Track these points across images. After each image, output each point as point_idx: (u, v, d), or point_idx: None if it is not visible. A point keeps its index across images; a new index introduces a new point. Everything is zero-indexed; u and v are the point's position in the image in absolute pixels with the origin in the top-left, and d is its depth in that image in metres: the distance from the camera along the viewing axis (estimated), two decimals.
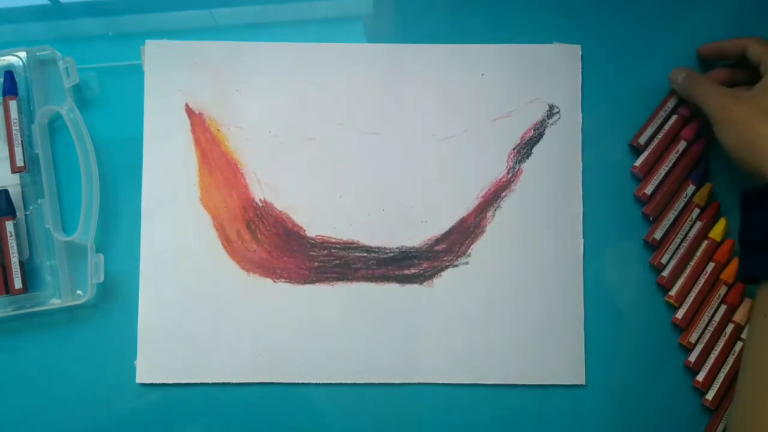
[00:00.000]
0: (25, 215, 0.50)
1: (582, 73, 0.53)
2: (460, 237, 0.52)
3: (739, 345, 0.51)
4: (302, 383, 0.50)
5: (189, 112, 0.52)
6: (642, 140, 0.52)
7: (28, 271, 0.50)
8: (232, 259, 0.51)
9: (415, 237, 0.52)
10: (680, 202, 0.52)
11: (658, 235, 0.51)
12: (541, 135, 0.53)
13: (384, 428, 0.50)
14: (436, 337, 0.51)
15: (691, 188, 0.52)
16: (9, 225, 0.49)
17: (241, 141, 0.52)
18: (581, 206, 0.52)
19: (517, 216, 0.52)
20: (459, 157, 0.52)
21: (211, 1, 0.53)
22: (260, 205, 0.51)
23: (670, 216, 0.52)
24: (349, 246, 0.51)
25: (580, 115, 0.53)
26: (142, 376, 0.50)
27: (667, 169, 0.52)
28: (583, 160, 0.52)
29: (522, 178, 0.52)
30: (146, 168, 0.51)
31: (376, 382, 0.50)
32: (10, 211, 0.49)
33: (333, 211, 0.52)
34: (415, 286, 0.51)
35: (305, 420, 0.50)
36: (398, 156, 0.52)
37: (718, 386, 0.50)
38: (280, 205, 0.51)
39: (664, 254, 0.51)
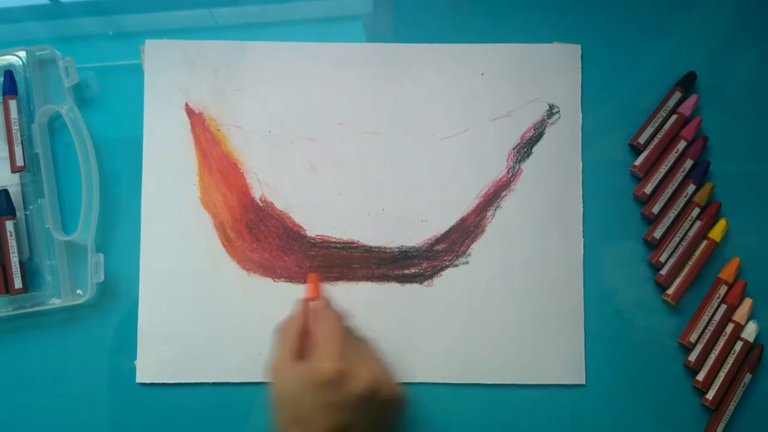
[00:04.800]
0: (25, 215, 0.50)
1: (582, 72, 0.53)
2: (460, 237, 0.52)
3: (739, 344, 0.51)
4: None
5: (189, 111, 0.52)
6: (642, 140, 0.52)
7: (28, 270, 0.50)
8: (232, 259, 0.51)
9: (415, 237, 0.52)
10: (680, 202, 0.52)
11: (657, 234, 0.52)
12: (541, 134, 0.53)
13: None
14: (435, 337, 0.51)
15: (691, 188, 0.52)
16: (9, 225, 0.49)
17: (241, 141, 0.52)
18: (581, 206, 0.52)
19: (517, 215, 0.52)
20: (459, 157, 0.52)
21: (211, 0, 0.54)
22: (260, 204, 0.51)
23: (670, 215, 0.52)
24: (349, 246, 0.51)
25: (580, 114, 0.53)
26: (142, 376, 0.50)
27: (666, 168, 0.52)
28: (583, 160, 0.53)
29: (522, 177, 0.52)
30: (146, 168, 0.51)
31: None
32: (10, 211, 0.49)
33: (333, 210, 0.52)
34: (415, 286, 0.51)
35: None
36: (398, 156, 0.52)
37: (718, 386, 0.50)
38: (280, 204, 0.51)
39: (662, 253, 0.51)
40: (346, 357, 0.41)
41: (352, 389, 0.40)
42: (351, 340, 0.43)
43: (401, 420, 0.46)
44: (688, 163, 0.52)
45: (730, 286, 0.52)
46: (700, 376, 0.51)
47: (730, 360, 0.51)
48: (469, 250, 0.52)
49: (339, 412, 0.40)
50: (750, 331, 0.51)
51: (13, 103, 0.50)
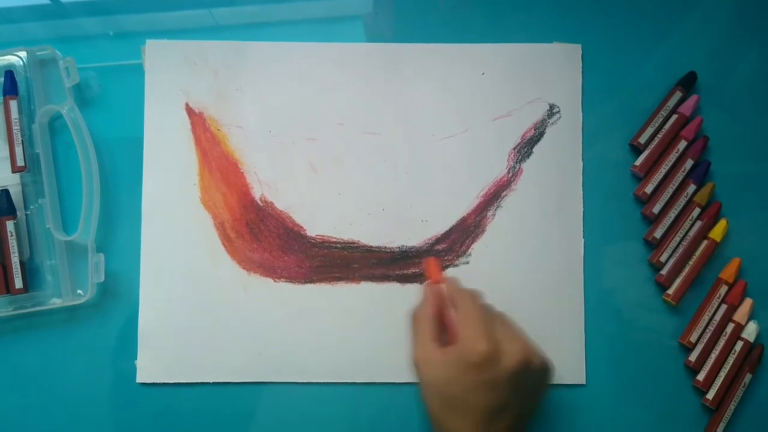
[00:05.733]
0: (26, 215, 0.50)
1: (582, 72, 0.53)
2: (461, 236, 0.52)
3: (739, 344, 0.51)
4: (302, 383, 0.50)
5: (189, 111, 0.52)
6: (642, 140, 0.52)
7: (29, 270, 0.50)
8: (232, 259, 0.51)
9: (415, 237, 0.52)
10: (681, 202, 0.52)
11: (658, 234, 0.52)
12: (541, 134, 0.53)
13: (384, 428, 0.50)
14: None
15: (692, 187, 0.52)
16: (9, 225, 0.49)
17: (242, 141, 0.52)
18: (581, 206, 0.52)
19: (518, 215, 0.52)
20: (459, 157, 0.52)
21: (211, 0, 0.54)
22: (261, 204, 0.51)
23: (671, 215, 0.52)
24: (350, 246, 0.51)
25: (581, 114, 0.53)
26: (142, 376, 0.50)
27: (667, 168, 0.52)
28: (583, 160, 0.53)
29: (522, 177, 0.52)
30: (147, 168, 0.51)
31: (377, 381, 0.50)
32: (10, 211, 0.49)
33: (333, 210, 0.52)
34: (415, 286, 0.51)
35: (305, 420, 0.50)
36: (398, 156, 0.52)
37: (718, 386, 0.50)
38: (280, 204, 0.51)
39: (663, 253, 0.51)
40: (492, 335, 0.41)
41: (505, 366, 0.40)
42: (491, 317, 0.43)
43: (550, 388, 0.46)
44: (689, 163, 0.52)
45: (731, 286, 0.52)
46: (701, 376, 0.51)
47: (731, 360, 0.51)
48: (470, 250, 0.52)
49: (495, 390, 0.40)
50: (750, 331, 0.51)
51: (13, 104, 0.49)
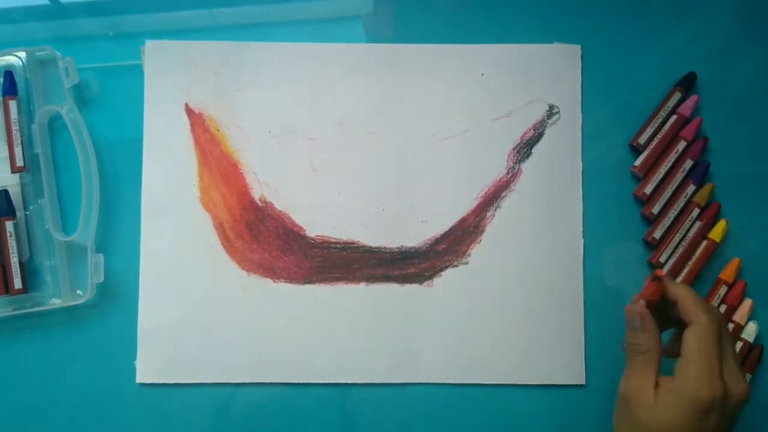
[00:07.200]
0: (25, 215, 0.50)
1: (582, 73, 0.53)
2: (460, 237, 0.52)
3: (738, 345, 0.51)
4: (302, 383, 0.50)
5: (189, 111, 0.52)
6: (642, 140, 0.52)
7: (28, 271, 0.50)
8: (232, 259, 0.51)
9: (415, 237, 0.52)
10: (680, 202, 0.52)
11: (657, 234, 0.52)
12: (540, 135, 0.53)
13: (384, 428, 0.50)
14: (435, 337, 0.51)
15: (691, 188, 0.52)
16: (9, 225, 0.49)
17: (241, 141, 0.52)
18: (581, 206, 0.52)
19: (517, 216, 0.52)
20: (459, 157, 0.52)
21: (211, 0, 0.54)
22: (260, 205, 0.51)
23: (670, 215, 0.52)
24: (349, 246, 0.51)
25: (580, 115, 0.53)
26: (142, 376, 0.50)
27: (666, 169, 0.52)
28: (583, 160, 0.53)
29: (522, 178, 0.52)
30: (146, 168, 0.51)
31: (376, 382, 0.50)
32: (10, 212, 0.49)
33: (333, 211, 0.52)
34: (415, 286, 0.51)
35: (305, 420, 0.50)
36: (398, 156, 0.52)
37: None
38: (280, 205, 0.51)
39: (662, 253, 0.51)
40: (721, 375, 0.39)
41: (727, 412, 0.39)
42: (721, 351, 0.40)
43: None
44: (688, 164, 0.52)
45: (730, 287, 0.52)
46: None
47: None
48: (469, 251, 0.52)
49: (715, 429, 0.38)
50: (750, 332, 0.51)
51: (13, 104, 0.49)
